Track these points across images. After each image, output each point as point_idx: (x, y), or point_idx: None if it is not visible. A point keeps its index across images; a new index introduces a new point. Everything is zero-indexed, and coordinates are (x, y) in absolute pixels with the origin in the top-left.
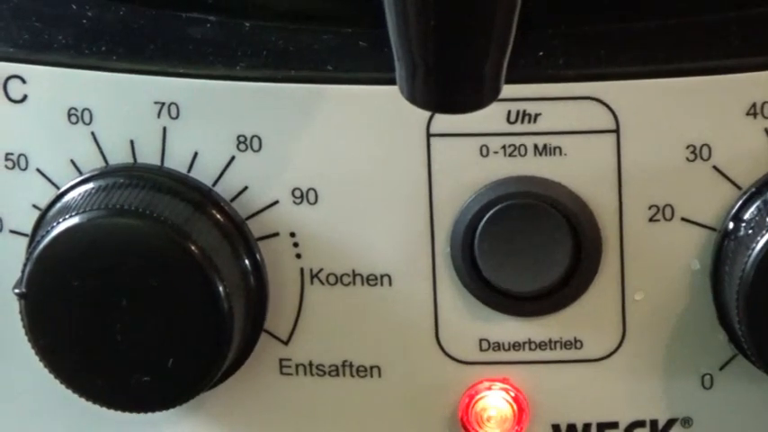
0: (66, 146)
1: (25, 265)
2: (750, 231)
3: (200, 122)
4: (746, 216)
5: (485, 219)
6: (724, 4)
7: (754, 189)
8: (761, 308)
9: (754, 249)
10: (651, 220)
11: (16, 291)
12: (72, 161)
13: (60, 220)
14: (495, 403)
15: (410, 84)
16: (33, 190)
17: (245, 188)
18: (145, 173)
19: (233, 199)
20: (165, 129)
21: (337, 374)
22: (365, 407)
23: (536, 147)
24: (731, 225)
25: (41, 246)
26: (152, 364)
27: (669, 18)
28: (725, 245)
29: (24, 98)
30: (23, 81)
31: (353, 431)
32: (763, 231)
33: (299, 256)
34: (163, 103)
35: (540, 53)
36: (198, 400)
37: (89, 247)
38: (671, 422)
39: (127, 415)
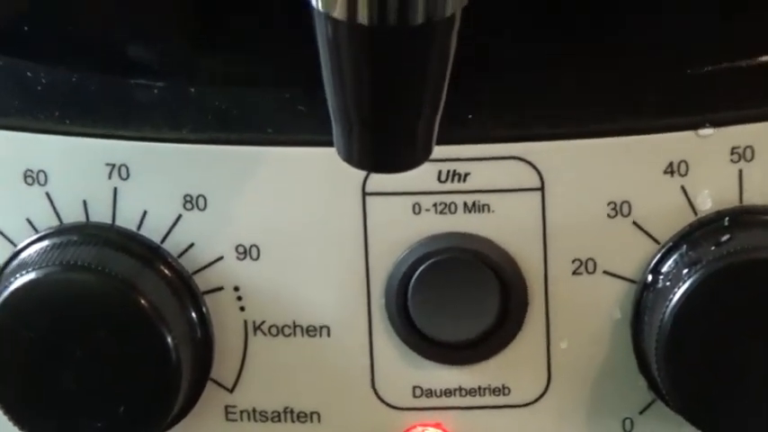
0: (22, 205)
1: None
2: (668, 283)
3: (149, 183)
4: (664, 269)
5: (417, 272)
6: (642, 68)
7: (671, 243)
8: (678, 356)
9: (671, 300)
10: (575, 273)
11: None
12: (28, 220)
13: (17, 275)
14: None
15: (346, 144)
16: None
17: (192, 245)
18: (97, 231)
19: (180, 255)
20: (115, 189)
21: (279, 420)
22: None
23: (465, 204)
24: (650, 277)
25: (1, 298)
26: (104, 411)
27: (590, 82)
28: (644, 296)
29: None
30: None
31: None
32: (680, 283)
33: (242, 308)
34: (114, 165)
35: (470, 116)
36: None
37: (44, 301)
38: None
39: None
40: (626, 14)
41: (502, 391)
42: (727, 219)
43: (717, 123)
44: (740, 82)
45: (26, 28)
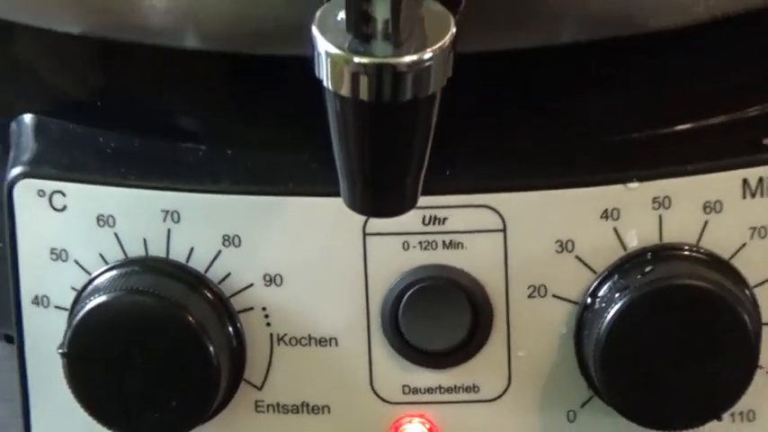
0: (95, 243)
1: (66, 332)
2: (603, 305)
3: (195, 225)
4: (600, 293)
5: (406, 296)
6: (584, 135)
7: (606, 273)
8: (611, 362)
9: (605, 318)
10: (530, 296)
11: (60, 351)
12: (100, 254)
13: (91, 298)
14: (414, 429)
15: (351, 196)
16: (72, 276)
17: (229, 274)
18: (154, 263)
19: (219, 282)
20: (169, 230)
21: (297, 412)
22: None
23: (444, 242)
24: (589, 300)
25: (78, 318)
26: (160, 405)
27: (543, 146)
28: (584, 315)
29: (64, 207)
30: (63, 195)
31: None
32: (612, 305)
33: (268, 324)
34: (167, 211)
35: (447, 172)
36: None
37: (112, 319)
38: None
39: None
40: (570, 94)
41: (472, 389)
42: (649, 253)
43: (641, 179)
44: (659, 147)
45: (99, 103)
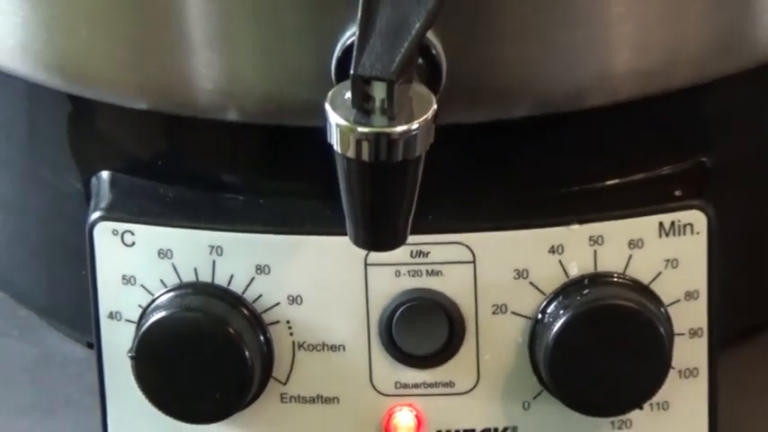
0: (157, 271)
1: (134, 340)
2: (550, 320)
3: (234, 257)
4: (548, 311)
5: (398, 313)
6: (535, 188)
7: (553, 295)
8: (556, 365)
9: (552, 330)
10: (493, 313)
11: (129, 354)
12: (161, 279)
13: (154, 314)
14: (404, 418)
15: (355, 234)
16: (138, 296)
17: (260, 295)
18: (203, 287)
19: (253, 301)
20: (214, 261)
21: (314, 402)
22: (330, 422)
23: (427, 271)
24: (539, 316)
25: (143, 329)
26: (206, 397)
27: (503, 198)
28: (536, 328)
29: (133, 243)
30: (132, 234)
31: None
32: (558, 319)
33: (291, 334)
34: (213, 246)
35: (430, 216)
36: (232, 418)
37: (170, 330)
38: (505, 429)
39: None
40: (525, 157)
41: (449, 384)
42: (586, 280)
43: (580, 222)
44: (595, 197)
45: (160, 163)
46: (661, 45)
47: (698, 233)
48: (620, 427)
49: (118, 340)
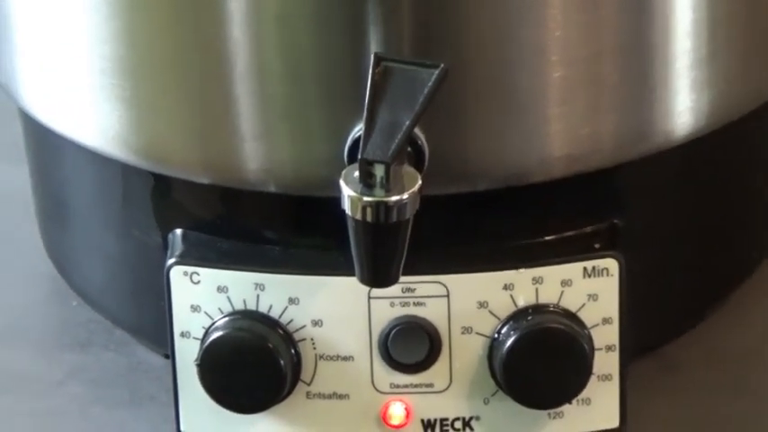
0: (216, 302)
1: (199, 352)
2: (504, 338)
3: (273, 292)
4: (503, 331)
5: (392, 333)
6: (492, 243)
7: (506, 320)
8: (508, 372)
9: (505, 346)
10: (462, 333)
11: (195, 363)
12: (219, 308)
13: (214, 333)
14: (397, 409)
15: (360, 275)
16: (203, 320)
17: (292, 320)
18: (249, 313)
19: (286, 324)
20: (258, 295)
21: (330, 398)
22: (342, 413)
23: (413, 302)
24: (496, 335)
25: (206, 344)
26: (251, 395)
27: (468, 250)
28: (494, 344)
29: (198, 282)
30: (198, 274)
31: (338, 422)
32: (509, 338)
33: (314, 347)
34: (257, 284)
35: (416, 262)
36: (271, 410)
37: (226, 345)
38: (471, 418)
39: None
40: (486, 218)
41: (430, 385)
42: (530, 309)
43: (526, 267)
44: (537, 249)
45: (218, 222)
46: (584, 138)
47: (612, 275)
48: (554, 418)
49: (187, 353)
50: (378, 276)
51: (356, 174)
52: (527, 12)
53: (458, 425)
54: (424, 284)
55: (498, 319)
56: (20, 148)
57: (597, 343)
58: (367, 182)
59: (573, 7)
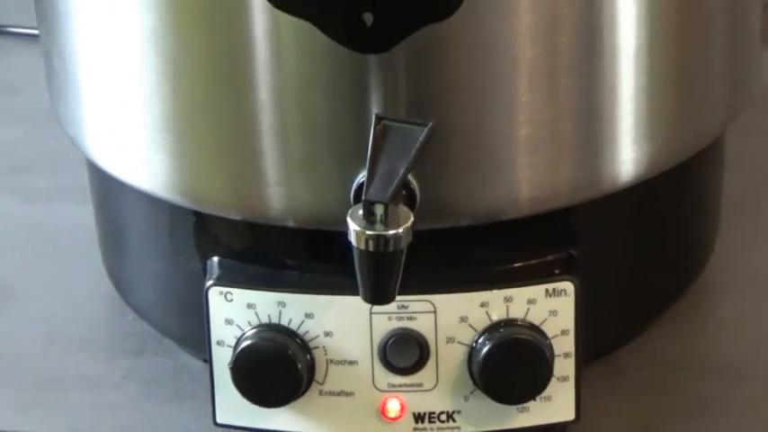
0: (246, 316)
1: (232, 357)
2: (481, 347)
3: (292, 308)
4: (480, 341)
5: (389, 342)
6: (472, 267)
7: (482, 331)
8: (484, 374)
9: (482, 353)
10: (447, 342)
11: (229, 366)
12: (248, 321)
13: (244, 342)
14: (393, 405)
15: (363, 295)
16: (235, 331)
17: (308, 331)
18: (273, 326)
19: (303, 335)
20: (280, 311)
21: (339, 395)
22: (348, 407)
23: (407, 317)
24: (474, 344)
25: (237, 351)
26: (275, 393)
27: (453, 271)
28: (472, 352)
29: (231, 300)
30: (231, 294)
31: (345, 415)
32: (485, 346)
33: (326, 354)
34: (279, 302)
35: (409, 284)
36: (290, 405)
37: (253, 352)
38: (453, 411)
39: (262, 410)
40: (463, 247)
41: (420, 384)
42: (502, 323)
43: (498, 289)
44: (507, 274)
45: (247, 251)
46: (546, 184)
47: (569, 295)
48: (522, 411)
49: (222, 358)
50: (378, 296)
51: (360, 212)
52: (499, 81)
53: (443, 417)
54: (416, 302)
55: (476, 330)
56: (86, 191)
57: (557, 351)
58: (369, 219)
59: (537, 77)
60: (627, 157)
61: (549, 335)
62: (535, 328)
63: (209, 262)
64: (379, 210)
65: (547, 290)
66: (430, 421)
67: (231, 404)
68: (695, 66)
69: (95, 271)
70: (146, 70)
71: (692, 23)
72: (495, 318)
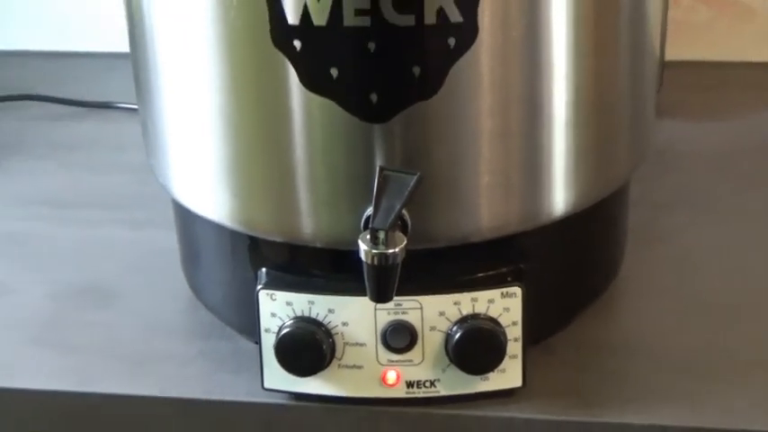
0: (286, 311)
1: (275, 340)
2: (454, 333)
3: (319, 305)
4: (453, 329)
5: (389, 329)
6: (446, 277)
7: (455, 322)
8: (456, 354)
9: (455, 338)
10: (430, 330)
11: (273, 346)
12: (287, 314)
13: (284, 330)
14: (391, 374)
15: (370, 295)
16: (278, 322)
17: (330, 321)
18: (306, 317)
19: (326, 324)
20: (310, 307)
21: (353, 368)
22: (358, 376)
23: (401, 311)
24: (449, 331)
25: (279, 336)
26: (305, 364)
27: (436, 279)
28: (448, 337)
29: (275, 299)
30: (275, 295)
31: (356, 382)
32: (457, 333)
33: (343, 338)
34: (309, 301)
35: (402, 288)
36: (318, 374)
37: (291, 337)
38: (434, 380)
39: (297, 378)
40: (440, 263)
41: (411, 360)
42: (470, 316)
43: (467, 291)
44: (473, 281)
45: (286, 264)
46: (501, 217)
47: (517, 297)
48: (483, 380)
49: (269, 341)
50: (380, 297)
51: (368, 237)
52: (467, 143)
53: (427, 384)
54: (407, 301)
55: (451, 321)
56: (171, 221)
57: (509, 336)
58: (374, 241)
59: (494, 140)
60: (559, 198)
61: (504, 325)
62: (493, 320)
63: (259, 272)
64: (381, 235)
65: (502, 293)
66: (417, 387)
67: (274, 374)
68: (608, 131)
69: (178, 278)
70: (215, 134)
71: (606, 102)
72: (464, 312)
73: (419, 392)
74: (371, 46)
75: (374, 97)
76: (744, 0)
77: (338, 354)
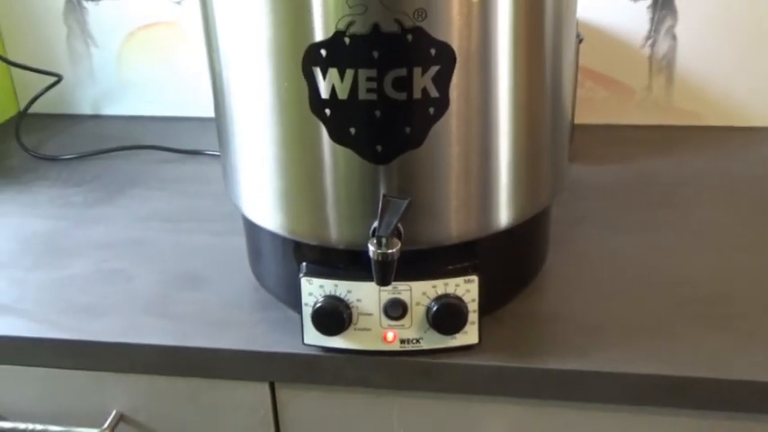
0: (319, 291)
1: (312, 311)
2: (432, 306)
3: (341, 288)
4: (432, 305)
5: (388, 303)
6: (430, 268)
7: (433, 299)
8: (434, 321)
9: (433, 310)
10: (416, 305)
11: (311, 315)
12: (320, 294)
13: (318, 304)
14: (390, 334)
15: (376, 280)
16: (314, 298)
17: (349, 298)
18: (332, 296)
19: (347, 300)
20: (335, 288)
21: (364, 330)
22: (368, 335)
23: (397, 292)
24: (430, 306)
25: (315, 308)
26: (332, 327)
27: (424, 270)
28: (429, 309)
29: (311, 283)
30: (311, 280)
31: (366, 340)
32: (434, 307)
33: (358, 310)
34: (335, 284)
35: (397, 276)
36: (340, 335)
37: (323, 309)
38: (419, 338)
39: (326, 336)
40: (427, 259)
41: (403, 325)
42: (443, 296)
43: (440, 279)
44: (445, 272)
45: (320, 260)
46: (463, 227)
47: (475, 282)
48: (452, 339)
49: (308, 312)
50: (383, 282)
51: (375, 241)
52: (442, 178)
53: (414, 341)
54: (401, 285)
55: (430, 299)
56: (241, 229)
57: (469, 309)
58: (379, 245)
59: (460, 176)
60: (503, 215)
61: (466, 301)
62: (459, 298)
63: (301, 265)
64: (383, 240)
65: (465, 280)
66: (408, 343)
67: (311, 334)
68: (537, 170)
69: (246, 269)
70: (272, 172)
71: (535, 150)
72: (439, 293)
73: (409, 346)
74: (377, 113)
75: (379, 147)
76: (627, 84)
77: (354, 320)
